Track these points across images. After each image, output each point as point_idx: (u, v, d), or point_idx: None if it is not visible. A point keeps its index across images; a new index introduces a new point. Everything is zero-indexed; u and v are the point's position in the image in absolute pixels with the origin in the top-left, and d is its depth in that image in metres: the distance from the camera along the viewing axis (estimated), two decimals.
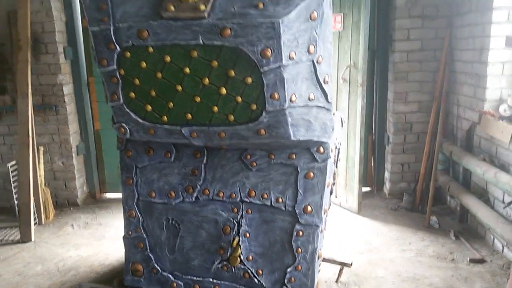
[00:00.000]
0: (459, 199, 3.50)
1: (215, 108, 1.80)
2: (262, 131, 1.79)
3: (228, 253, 2.27)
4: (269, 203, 2.24)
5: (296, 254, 2.22)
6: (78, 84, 4.41)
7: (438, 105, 3.83)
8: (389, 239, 3.46)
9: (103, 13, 1.77)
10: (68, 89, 4.30)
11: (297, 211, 2.21)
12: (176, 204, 2.40)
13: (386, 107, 4.26)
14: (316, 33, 1.72)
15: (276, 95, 1.75)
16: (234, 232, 2.29)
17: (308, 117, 1.85)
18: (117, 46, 1.78)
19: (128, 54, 1.79)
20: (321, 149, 2.05)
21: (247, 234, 2.25)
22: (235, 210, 2.28)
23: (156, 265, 2.45)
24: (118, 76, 1.83)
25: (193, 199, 2.36)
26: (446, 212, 3.89)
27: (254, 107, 1.75)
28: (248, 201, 2.25)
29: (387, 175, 4.33)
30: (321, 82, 1.84)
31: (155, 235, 2.39)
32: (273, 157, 2.12)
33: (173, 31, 1.68)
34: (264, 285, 2.29)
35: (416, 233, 3.53)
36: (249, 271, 2.29)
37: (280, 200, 2.20)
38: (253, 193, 2.19)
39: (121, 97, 1.91)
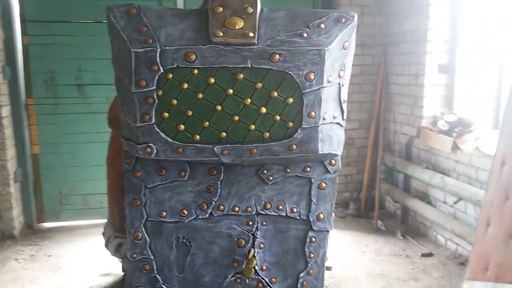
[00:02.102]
0: (402, 203, 4.02)
1: (252, 127, 1.92)
2: (294, 147, 1.96)
3: (243, 265, 2.35)
4: (284, 214, 2.35)
5: (308, 259, 2.40)
6: (16, 106, 4.07)
7: (376, 122, 4.36)
8: (348, 243, 3.82)
9: (146, 35, 1.81)
10: (6, 112, 3.95)
11: (311, 219, 2.36)
12: (188, 222, 2.38)
13: None
14: (345, 60, 1.98)
15: (313, 114, 1.94)
16: (249, 245, 2.36)
17: (331, 133, 2.08)
18: (160, 67, 1.83)
19: (170, 75, 1.84)
20: (333, 161, 2.27)
21: (262, 245, 2.36)
22: (250, 223, 2.34)
23: (163, 286, 2.42)
24: (155, 97, 1.86)
25: (207, 215, 2.35)
26: (387, 216, 4.41)
27: (290, 124, 1.92)
28: (263, 213, 2.33)
29: None
30: (342, 102, 2.10)
31: (163, 255, 2.36)
32: (289, 170, 2.26)
33: (223, 55, 1.80)
34: None
35: (368, 236, 3.96)
36: (263, 281, 2.39)
37: (295, 210, 2.34)
38: (269, 205, 2.29)
39: (153, 117, 1.92)
